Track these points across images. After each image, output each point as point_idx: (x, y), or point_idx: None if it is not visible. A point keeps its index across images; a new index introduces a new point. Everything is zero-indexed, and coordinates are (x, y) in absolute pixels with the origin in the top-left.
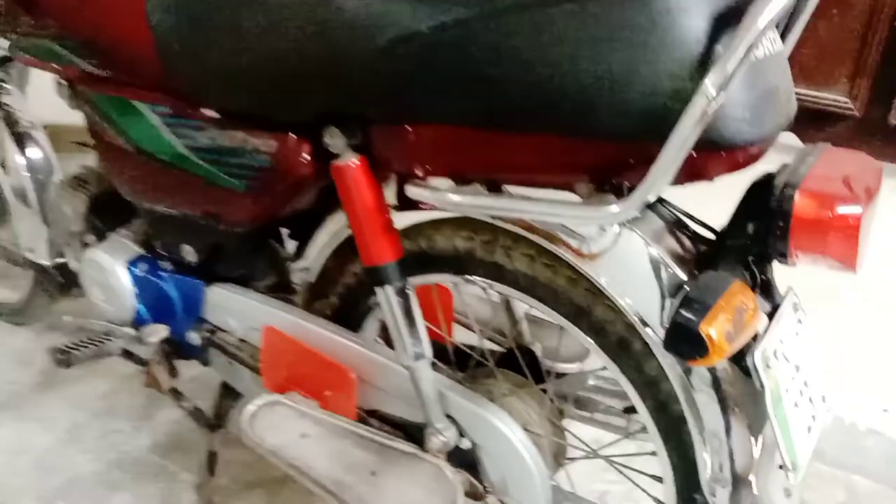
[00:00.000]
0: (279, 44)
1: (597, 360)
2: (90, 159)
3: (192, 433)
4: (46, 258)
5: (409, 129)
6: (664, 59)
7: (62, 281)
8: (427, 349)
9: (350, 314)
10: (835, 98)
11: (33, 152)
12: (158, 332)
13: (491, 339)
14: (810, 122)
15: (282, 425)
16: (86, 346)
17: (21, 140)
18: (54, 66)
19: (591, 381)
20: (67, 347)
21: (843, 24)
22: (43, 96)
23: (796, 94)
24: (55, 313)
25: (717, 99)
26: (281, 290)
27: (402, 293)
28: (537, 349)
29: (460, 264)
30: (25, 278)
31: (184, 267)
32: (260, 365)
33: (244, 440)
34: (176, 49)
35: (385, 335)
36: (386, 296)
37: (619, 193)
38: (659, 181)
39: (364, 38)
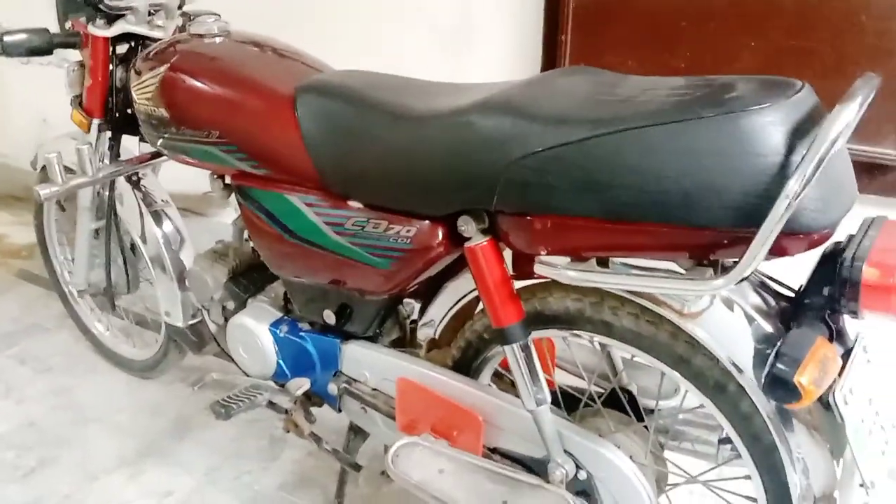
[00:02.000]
0: (417, 155)
1: (691, 398)
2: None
3: (314, 470)
4: (181, 320)
5: (533, 219)
6: (756, 166)
7: (195, 340)
8: (547, 395)
9: (468, 364)
10: (883, 151)
11: (168, 227)
12: (303, 385)
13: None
14: (864, 173)
15: (421, 463)
16: (240, 401)
17: (158, 216)
18: (214, 165)
19: (685, 416)
20: (225, 402)
21: (887, 86)
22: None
23: (851, 150)
24: (182, 368)
25: (797, 197)
26: (403, 343)
27: (525, 348)
28: (634, 389)
29: (571, 321)
30: (147, 337)
31: (321, 327)
32: (395, 411)
33: (392, 476)
34: (324, 154)
35: (497, 382)
36: (512, 351)
37: (714, 265)
38: (754, 261)
39: (498, 151)
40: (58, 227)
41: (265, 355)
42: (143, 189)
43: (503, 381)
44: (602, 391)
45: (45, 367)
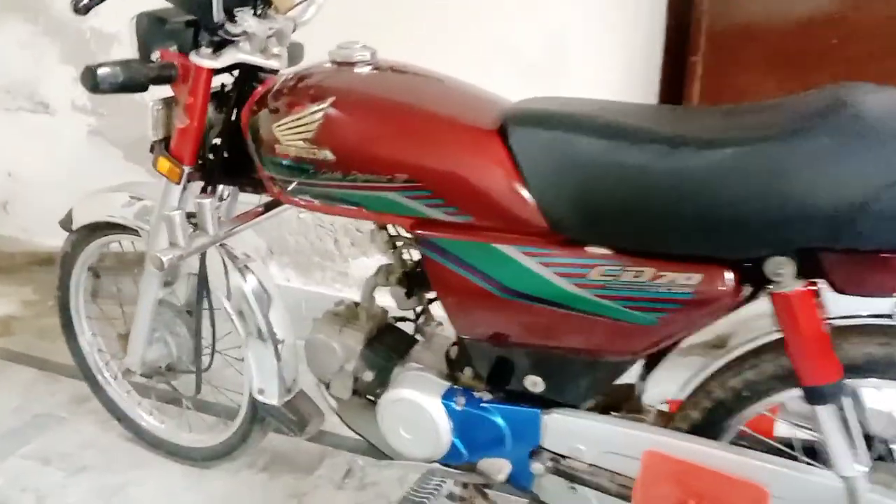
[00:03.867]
0: (721, 190)
1: None
2: None
3: None
4: (276, 398)
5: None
6: None
7: (295, 419)
8: (866, 458)
9: (714, 427)
10: None
11: (256, 286)
12: (503, 468)
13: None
14: None
15: None
16: (428, 493)
17: (244, 274)
18: (386, 215)
19: None
20: (414, 497)
21: None
22: None
23: None
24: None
25: None
26: (603, 407)
27: (842, 408)
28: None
29: (872, 369)
30: (209, 420)
31: (506, 396)
32: (625, 488)
33: None
34: (557, 195)
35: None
36: (827, 413)
37: None
38: None
39: (864, 181)
40: (86, 298)
41: (438, 434)
42: (227, 247)
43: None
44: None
45: (78, 465)
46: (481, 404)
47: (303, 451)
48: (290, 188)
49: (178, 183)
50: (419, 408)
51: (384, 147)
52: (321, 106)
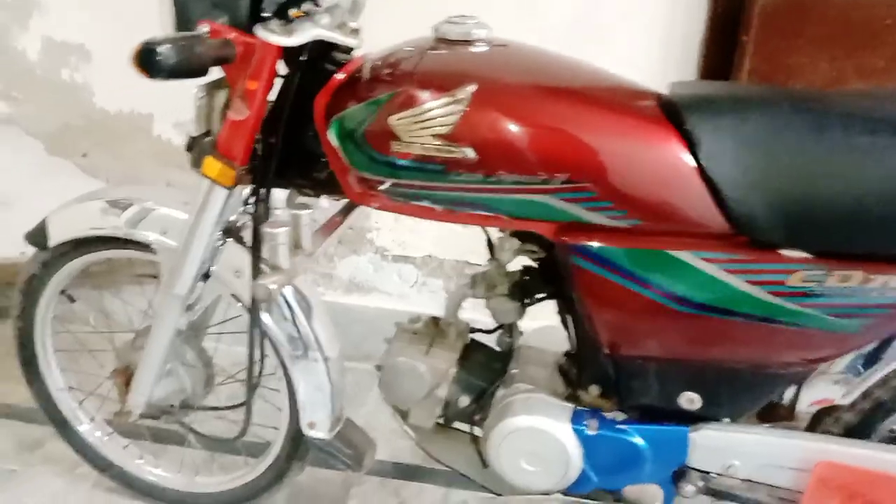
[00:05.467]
0: None
1: None
2: None
3: None
4: (328, 430)
5: None
6: None
7: (351, 452)
8: None
9: (868, 429)
10: None
11: (294, 292)
12: (657, 496)
13: None
14: None
15: None
16: None
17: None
18: (527, 221)
19: None
20: None
21: None
22: None
23: None
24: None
25: None
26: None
27: None
28: None
29: None
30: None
31: (648, 413)
32: (785, 501)
33: None
34: (750, 192)
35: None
36: None
37: None
38: None
39: None
40: (54, 328)
41: (567, 463)
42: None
43: None
44: None
45: None
46: (617, 426)
47: (322, 481)
48: (397, 192)
49: (231, 187)
50: (547, 437)
51: (541, 142)
52: (462, 95)
